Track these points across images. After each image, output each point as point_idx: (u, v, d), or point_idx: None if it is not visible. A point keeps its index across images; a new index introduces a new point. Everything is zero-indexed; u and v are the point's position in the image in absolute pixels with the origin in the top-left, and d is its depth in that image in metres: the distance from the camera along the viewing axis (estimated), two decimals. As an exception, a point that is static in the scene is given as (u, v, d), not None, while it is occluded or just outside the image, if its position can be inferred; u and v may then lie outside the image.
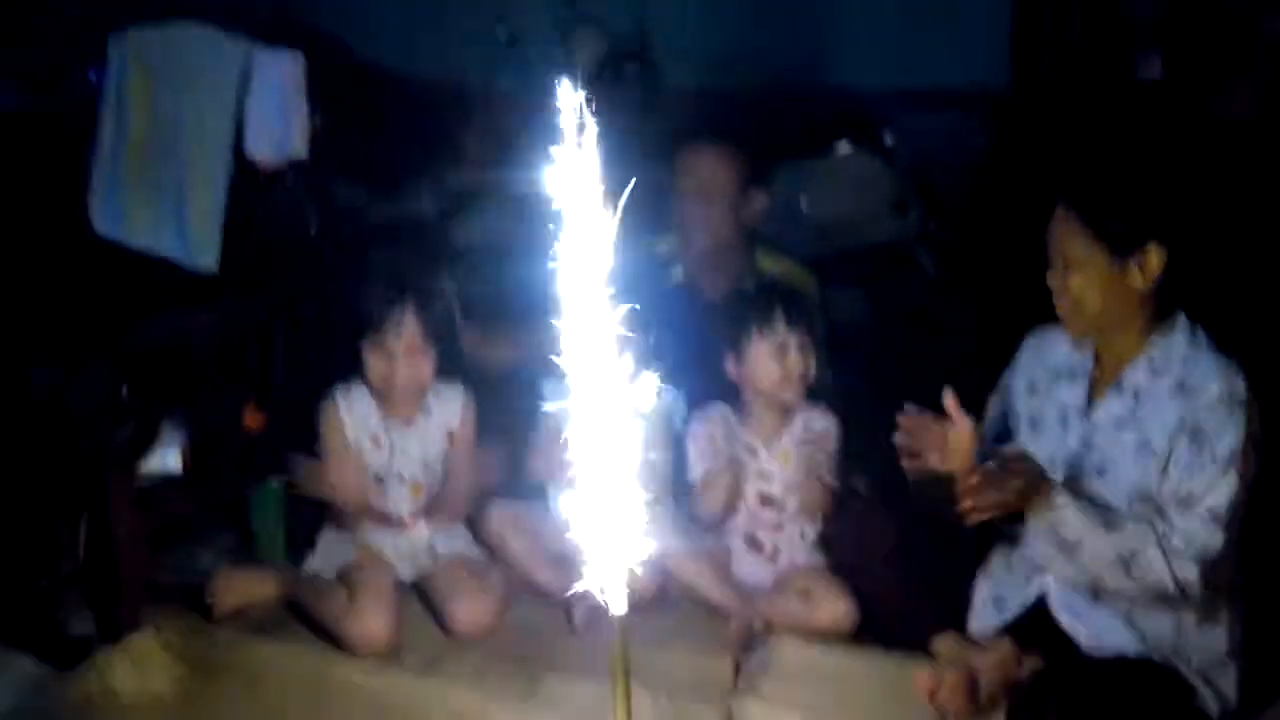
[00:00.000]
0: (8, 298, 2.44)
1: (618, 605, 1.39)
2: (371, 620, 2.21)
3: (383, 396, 2.44)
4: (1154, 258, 1.93)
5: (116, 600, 2.10)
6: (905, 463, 2.03)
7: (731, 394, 2.53)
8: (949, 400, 1.97)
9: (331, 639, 2.23)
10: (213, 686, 2.07)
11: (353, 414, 2.43)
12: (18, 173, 2.70)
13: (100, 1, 3.05)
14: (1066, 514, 1.91)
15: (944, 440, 1.96)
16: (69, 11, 3.09)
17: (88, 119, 2.72)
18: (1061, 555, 1.94)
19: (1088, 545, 1.91)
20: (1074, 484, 2.01)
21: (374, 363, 2.37)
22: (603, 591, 1.61)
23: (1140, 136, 3.28)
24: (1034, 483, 1.93)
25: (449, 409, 2.49)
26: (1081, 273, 1.94)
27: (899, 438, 2.02)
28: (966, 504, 1.90)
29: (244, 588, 2.38)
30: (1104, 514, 1.93)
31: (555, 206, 1.25)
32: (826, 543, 2.47)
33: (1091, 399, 2.06)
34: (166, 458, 2.21)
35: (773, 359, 2.42)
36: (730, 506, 2.46)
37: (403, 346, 2.35)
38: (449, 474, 2.48)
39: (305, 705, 2.02)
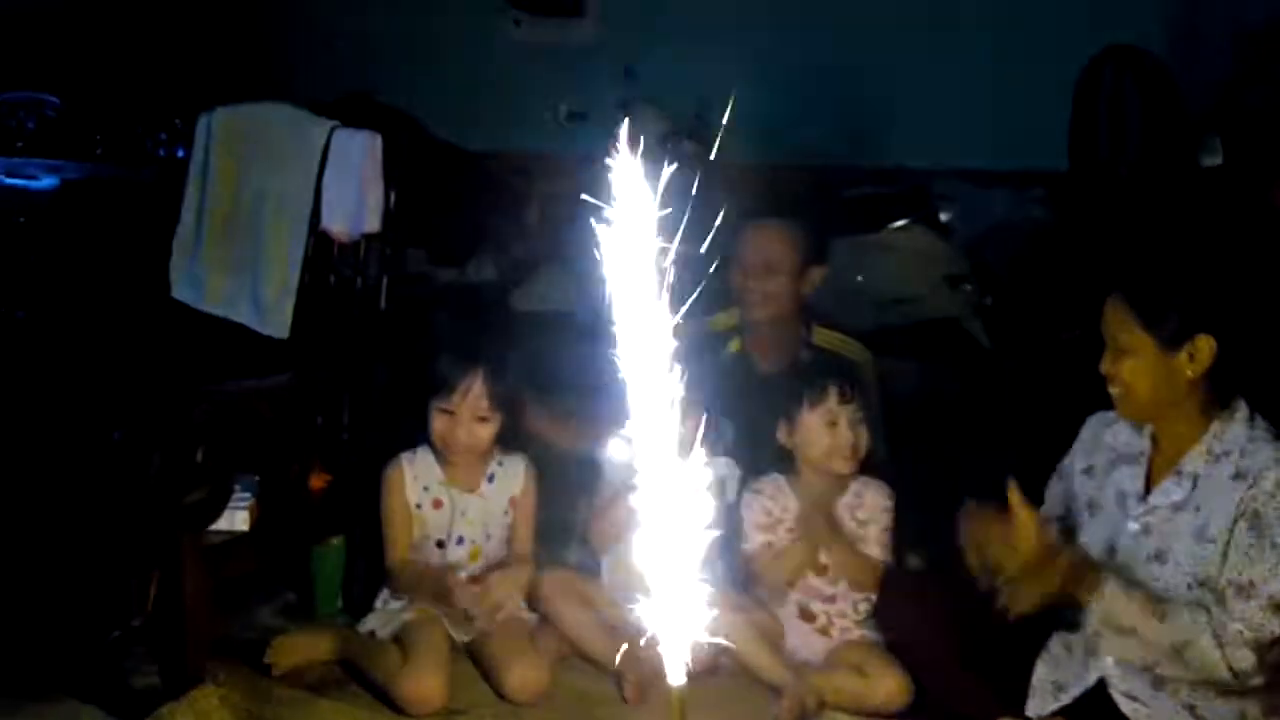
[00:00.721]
0: (93, 359, 2.55)
1: (676, 676, 1.40)
2: (426, 680, 2.24)
3: (447, 461, 2.49)
4: (1204, 348, 1.93)
5: (181, 654, 2.15)
6: (970, 561, 2.02)
7: (785, 466, 2.55)
8: (1012, 493, 1.97)
9: (386, 699, 2.26)
10: None
11: (417, 478, 2.49)
12: (106, 238, 2.84)
13: (193, 79, 3.23)
14: (1117, 604, 1.91)
15: (1008, 534, 1.96)
16: (163, 87, 3.26)
17: (174, 191, 2.85)
18: (1119, 638, 1.94)
19: (1140, 633, 1.90)
20: (1130, 570, 1.99)
21: (437, 424, 2.43)
22: (657, 659, 1.64)
23: (1196, 224, 3.29)
24: (1078, 572, 1.93)
25: (512, 477, 2.53)
26: (1132, 359, 1.96)
27: (963, 537, 2.02)
28: (1002, 603, 1.90)
29: (303, 648, 2.42)
30: (1155, 602, 1.92)
31: (613, 277, 1.30)
32: (882, 619, 2.46)
33: (1150, 484, 2.05)
34: (234, 517, 2.27)
35: (823, 430, 2.46)
36: (793, 580, 2.47)
37: (468, 410, 2.41)
38: (511, 539, 2.52)
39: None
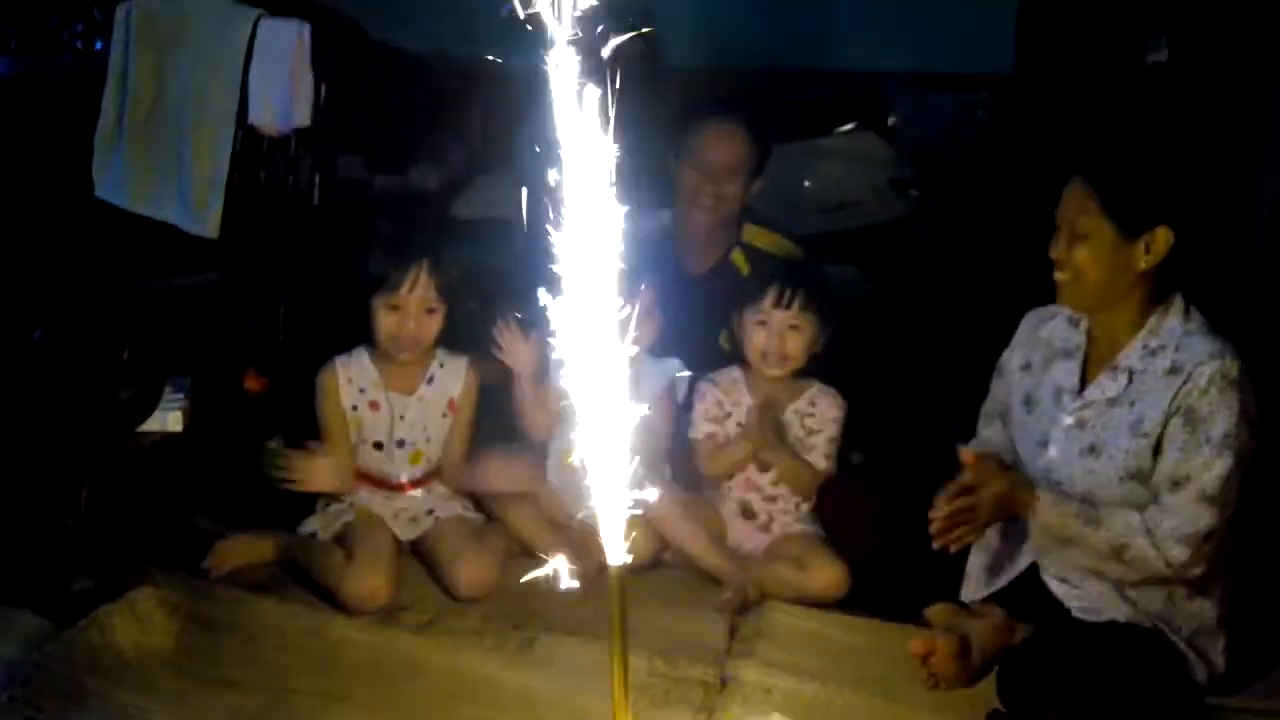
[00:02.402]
0: (13, 258, 2.45)
1: (615, 557, 1.41)
2: (369, 579, 2.23)
3: (386, 362, 2.46)
4: (1162, 239, 1.94)
5: (117, 557, 2.12)
6: (937, 543, 2.01)
7: (721, 365, 2.58)
8: (965, 456, 1.99)
9: (329, 600, 2.25)
10: (212, 643, 2.08)
11: (352, 380, 2.45)
12: (23, 136, 2.71)
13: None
14: (1053, 517, 1.95)
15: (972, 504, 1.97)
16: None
17: (93, 86, 2.72)
18: (1058, 549, 1.98)
19: (1078, 542, 1.95)
20: (1067, 465, 2.03)
21: (384, 319, 2.38)
22: (601, 553, 1.64)
23: (1155, 118, 3.29)
24: (1010, 494, 1.96)
25: (453, 379, 2.50)
26: (1087, 245, 1.96)
27: (933, 528, 2.00)
28: (937, 544, 1.95)
29: (243, 551, 2.40)
30: (1089, 510, 1.96)
31: (556, 180, 1.28)
32: (820, 512, 2.50)
33: (1085, 379, 2.08)
34: (167, 418, 2.22)
35: (755, 331, 2.46)
36: (733, 473, 2.50)
37: (415, 303, 2.37)
38: (447, 442, 2.50)
39: (304, 661, 2.03)
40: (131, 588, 2.11)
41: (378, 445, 2.46)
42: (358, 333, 2.45)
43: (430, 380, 2.49)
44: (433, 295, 2.38)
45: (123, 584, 2.10)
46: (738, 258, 2.79)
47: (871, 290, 3.45)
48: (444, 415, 2.49)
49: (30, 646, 1.97)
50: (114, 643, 2.02)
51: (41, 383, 2.07)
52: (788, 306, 2.45)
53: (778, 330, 2.45)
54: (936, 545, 1.96)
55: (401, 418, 2.46)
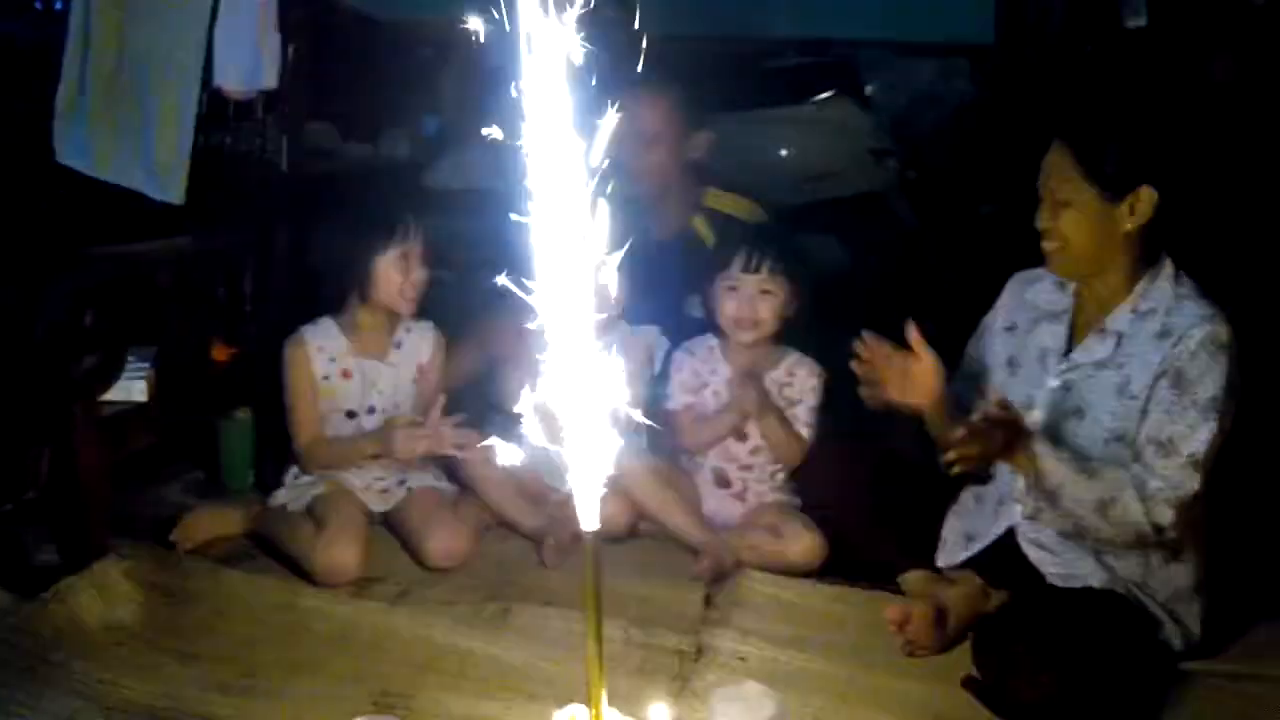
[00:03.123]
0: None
1: (589, 522, 1.39)
2: (339, 551, 2.20)
3: (353, 330, 2.42)
4: (1145, 200, 1.92)
5: (81, 529, 2.08)
6: (863, 392, 2.04)
7: (691, 333, 2.55)
8: (912, 332, 1.97)
9: (299, 572, 2.22)
10: (180, 614, 2.05)
11: (322, 349, 2.41)
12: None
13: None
14: (1045, 462, 1.91)
15: (904, 374, 1.96)
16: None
17: (54, 48, 2.64)
18: (1044, 502, 1.95)
19: (1067, 492, 1.91)
20: (1050, 427, 2.01)
21: (390, 275, 2.36)
22: (576, 523, 1.61)
23: (1132, 81, 3.27)
24: (1016, 433, 1.92)
25: (420, 344, 2.47)
26: (1071, 212, 1.93)
27: (856, 365, 2.02)
28: (951, 456, 1.90)
29: (211, 524, 2.37)
30: (1081, 461, 1.93)
31: (530, 150, 1.25)
32: (796, 481, 2.48)
33: (1072, 341, 2.06)
34: (132, 387, 2.18)
35: (725, 296, 2.43)
36: (713, 445, 2.47)
37: (418, 253, 2.36)
38: (417, 409, 2.46)
39: (273, 633, 2.00)
40: (96, 560, 2.06)
41: (350, 414, 2.43)
42: (325, 305, 2.41)
43: (399, 345, 2.45)
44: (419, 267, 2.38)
45: (87, 557, 2.06)
46: (699, 223, 2.77)
47: (851, 260, 3.43)
48: (412, 381, 2.46)
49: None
50: (78, 615, 1.98)
51: (-1, 350, 2.01)
52: (756, 270, 2.42)
53: (748, 295, 2.42)
54: (951, 458, 1.90)
55: (374, 384, 2.42)
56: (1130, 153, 1.93)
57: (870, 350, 2.03)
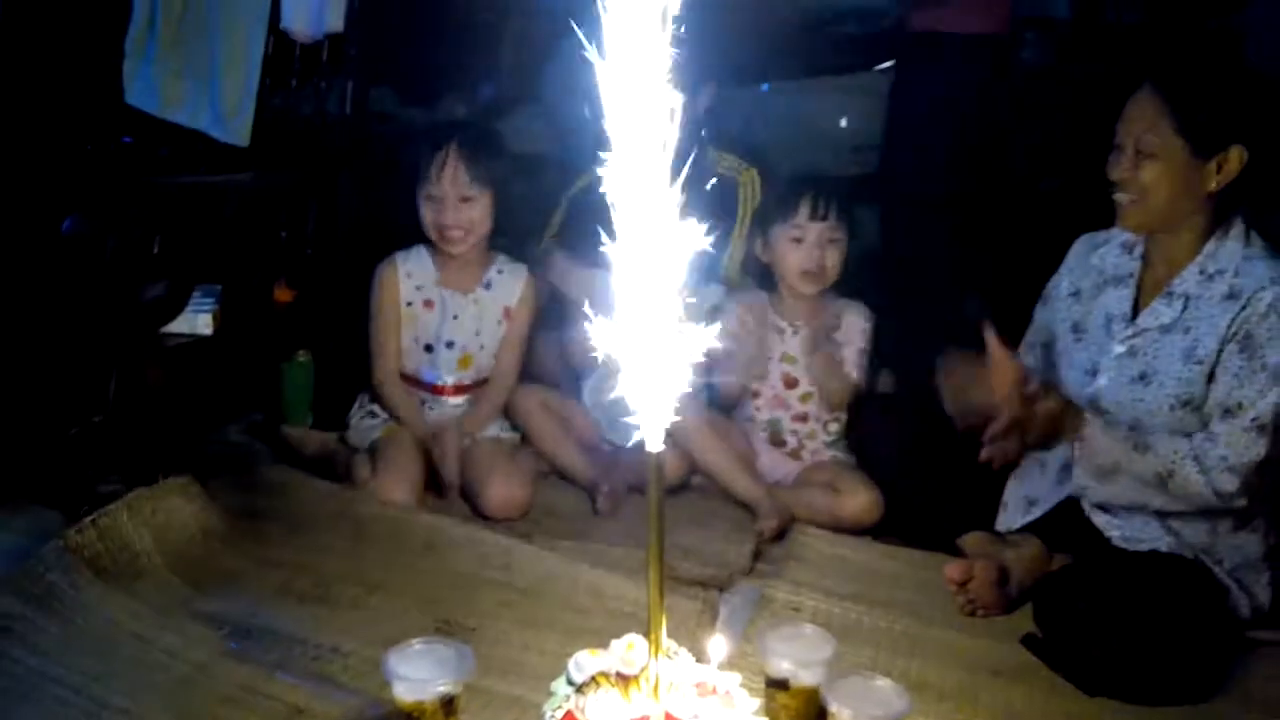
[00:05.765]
0: (43, 151, 2.41)
1: (654, 443, 1.36)
2: (388, 490, 2.22)
3: (444, 261, 2.42)
4: (1234, 160, 1.85)
5: (145, 455, 2.10)
6: (948, 402, 1.98)
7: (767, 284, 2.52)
8: (989, 336, 1.92)
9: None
10: (254, 528, 2.08)
11: (410, 275, 2.41)
12: (54, 38, 2.67)
13: None
14: (1099, 442, 1.88)
15: (986, 378, 1.92)
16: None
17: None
18: (1099, 481, 1.91)
19: (1124, 469, 1.88)
20: (1116, 394, 1.97)
21: (427, 213, 2.35)
22: (630, 474, 1.58)
23: (1232, 39, 3.16)
24: (1059, 417, 1.89)
25: (511, 286, 2.46)
26: (1156, 164, 1.87)
27: (940, 379, 1.98)
28: (985, 455, 1.89)
29: (306, 439, 2.41)
30: (1135, 435, 1.90)
31: (589, 115, 1.24)
32: (854, 439, 2.45)
33: (1138, 305, 2.01)
34: (197, 320, 2.20)
35: (789, 246, 2.40)
36: (744, 389, 2.45)
37: (451, 190, 2.33)
38: (499, 352, 2.46)
39: (348, 546, 2.04)
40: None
41: (428, 348, 2.43)
42: (390, 244, 2.41)
43: (488, 285, 2.45)
44: (465, 183, 2.33)
45: (152, 483, 2.07)
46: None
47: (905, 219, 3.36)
48: (499, 322, 2.45)
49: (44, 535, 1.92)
50: (153, 522, 1.97)
51: (69, 274, 2.03)
52: (824, 218, 2.39)
53: (816, 244, 2.39)
54: (985, 456, 1.90)
55: (455, 317, 2.42)
56: (1228, 110, 1.86)
57: (952, 365, 1.97)
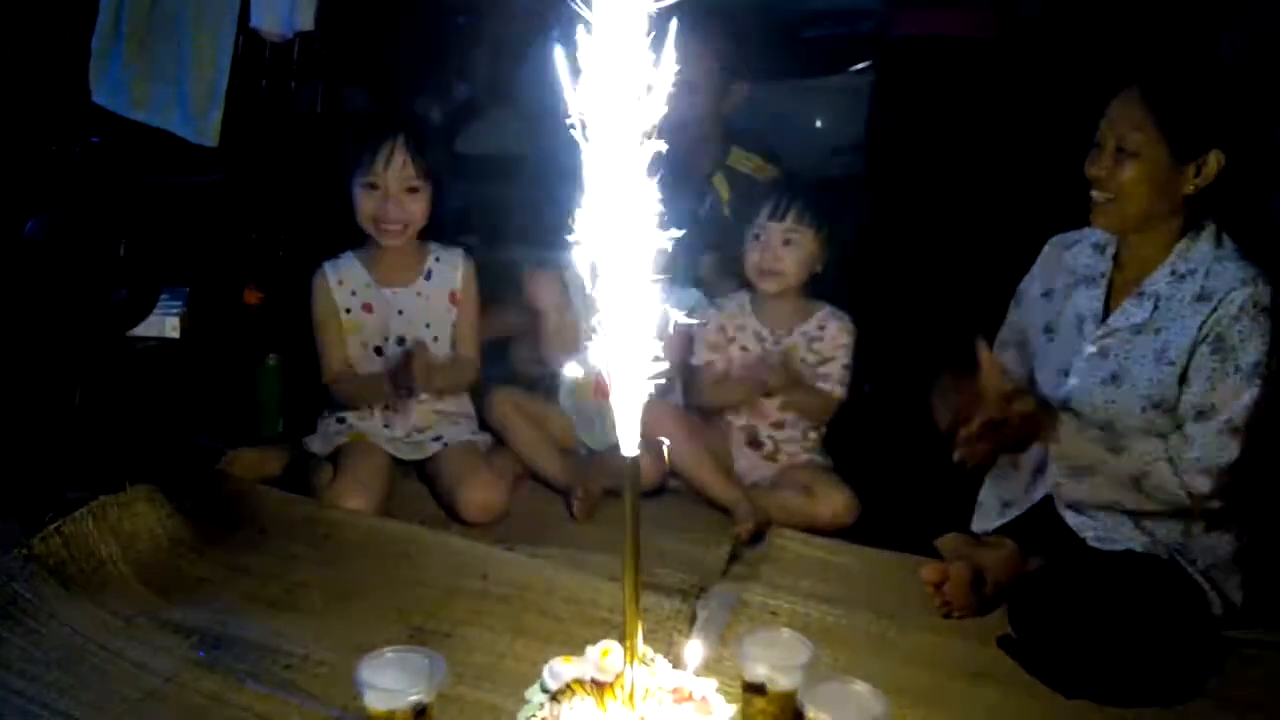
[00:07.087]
0: (10, 151, 2.37)
1: (630, 447, 1.35)
2: (349, 502, 2.20)
3: (377, 261, 2.38)
4: (1213, 164, 1.86)
5: (112, 460, 2.06)
6: (943, 425, 1.98)
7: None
8: (982, 352, 1.92)
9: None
10: (221, 534, 2.05)
11: (343, 283, 2.37)
12: (17, 36, 2.63)
13: None
14: (1074, 444, 1.88)
15: (979, 397, 1.91)
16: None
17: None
18: (1074, 481, 1.92)
19: (1099, 469, 1.89)
20: (1087, 395, 1.97)
21: (365, 204, 2.30)
22: (605, 478, 1.55)
23: (1207, 43, 3.17)
24: (1034, 419, 1.90)
25: (451, 273, 2.42)
26: (1137, 164, 1.87)
27: (936, 405, 1.97)
28: (958, 456, 1.89)
29: (255, 463, 2.36)
30: (1110, 437, 1.90)
31: (564, 116, 1.22)
32: (830, 443, 2.45)
33: (1109, 306, 2.01)
34: (165, 323, 2.16)
35: (751, 244, 2.41)
36: (727, 407, 2.46)
37: (394, 181, 2.28)
38: (456, 341, 2.43)
39: (316, 555, 2.01)
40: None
41: (377, 350, 2.40)
42: (353, 243, 2.38)
43: (429, 275, 2.41)
44: (412, 173, 2.29)
45: (119, 490, 2.03)
46: (718, 181, 2.74)
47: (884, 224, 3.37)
48: (447, 309, 2.42)
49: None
50: (120, 529, 1.94)
51: (33, 277, 1.99)
52: (781, 218, 2.38)
53: (772, 243, 2.39)
54: (958, 457, 1.90)
55: (400, 312, 2.38)
56: (1211, 115, 1.86)
57: (949, 390, 1.96)
